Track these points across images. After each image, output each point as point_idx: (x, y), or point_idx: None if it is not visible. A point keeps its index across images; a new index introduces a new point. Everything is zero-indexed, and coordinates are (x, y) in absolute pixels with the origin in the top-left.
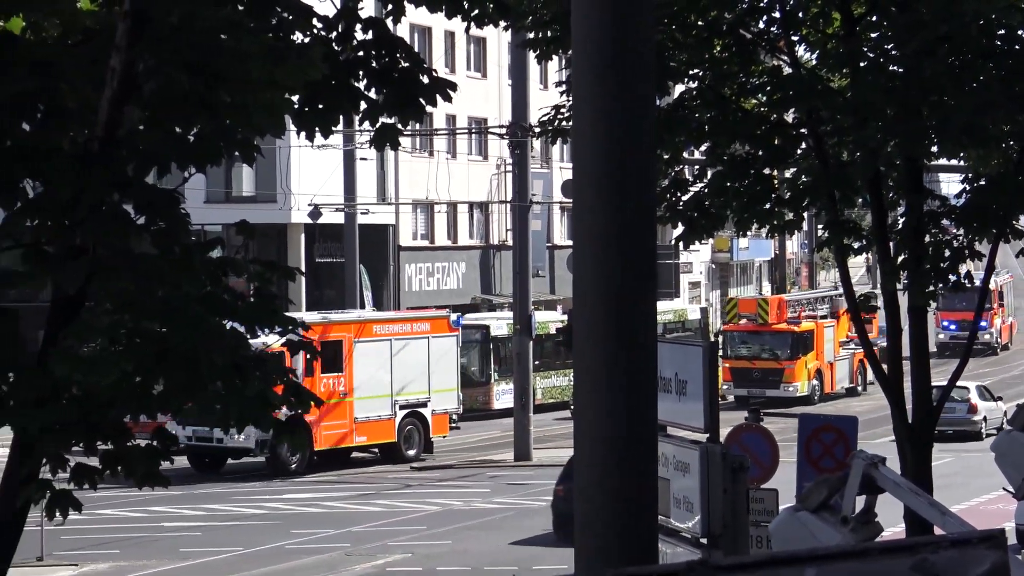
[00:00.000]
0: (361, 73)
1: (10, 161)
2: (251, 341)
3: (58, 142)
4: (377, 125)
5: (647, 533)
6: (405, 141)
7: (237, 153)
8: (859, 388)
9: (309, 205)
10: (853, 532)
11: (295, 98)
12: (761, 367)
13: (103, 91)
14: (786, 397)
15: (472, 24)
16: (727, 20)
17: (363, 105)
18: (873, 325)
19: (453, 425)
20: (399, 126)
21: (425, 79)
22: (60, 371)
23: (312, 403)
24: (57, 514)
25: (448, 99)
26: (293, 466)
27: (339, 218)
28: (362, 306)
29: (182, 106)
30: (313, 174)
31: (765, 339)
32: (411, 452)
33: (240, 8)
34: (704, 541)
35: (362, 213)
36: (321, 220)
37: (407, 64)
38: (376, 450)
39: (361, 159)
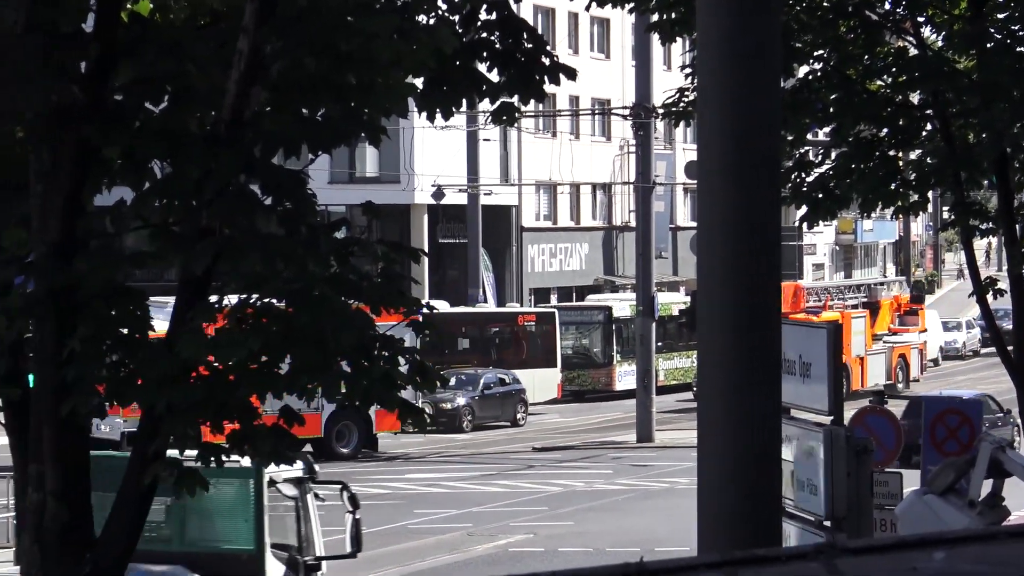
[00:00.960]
0: (484, 54)
1: (139, 142)
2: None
3: (186, 124)
4: (497, 103)
5: (770, 515)
6: (528, 122)
7: (362, 135)
8: (899, 385)
9: (432, 186)
10: (980, 515)
11: (419, 80)
12: None
13: (230, 73)
14: None
15: (595, 4)
16: (852, 1)
17: (485, 87)
18: (920, 317)
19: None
20: (519, 104)
21: (547, 61)
22: (187, 351)
23: (438, 382)
24: (184, 491)
25: (571, 78)
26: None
27: (462, 199)
28: (483, 287)
29: (309, 88)
30: (436, 155)
31: None
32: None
33: None
34: (828, 524)
35: (485, 194)
36: (444, 201)
37: (530, 46)
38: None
39: (484, 140)
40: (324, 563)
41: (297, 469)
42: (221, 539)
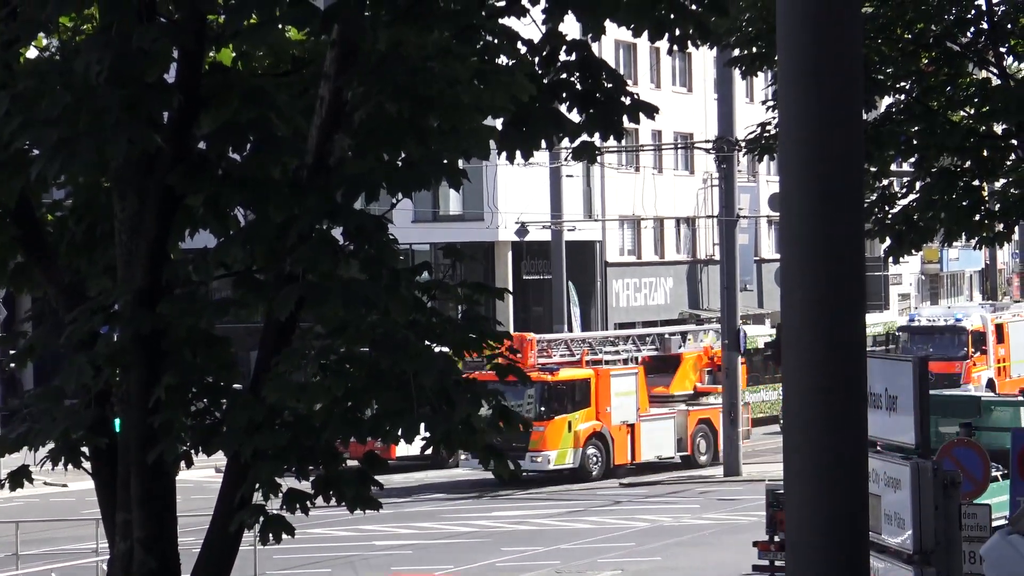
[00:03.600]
0: (564, 95)
1: (222, 190)
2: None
3: (269, 171)
4: (577, 142)
5: (858, 550)
6: (611, 157)
7: (444, 178)
8: (702, 458)
9: (516, 223)
10: None
11: (499, 122)
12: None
13: (312, 119)
14: (536, 470)
15: (676, 47)
16: (934, 32)
17: (565, 127)
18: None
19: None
20: (600, 142)
21: (627, 100)
22: (273, 396)
23: (520, 425)
24: (270, 538)
25: (652, 117)
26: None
27: (546, 235)
28: (569, 323)
29: (390, 132)
30: (519, 192)
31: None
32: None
33: (447, 34)
34: (916, 557)
35: (569, 230)
36: (528, 238)
37: (609, 85)
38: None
39: (567, 176)
40: None
41: None
42: None
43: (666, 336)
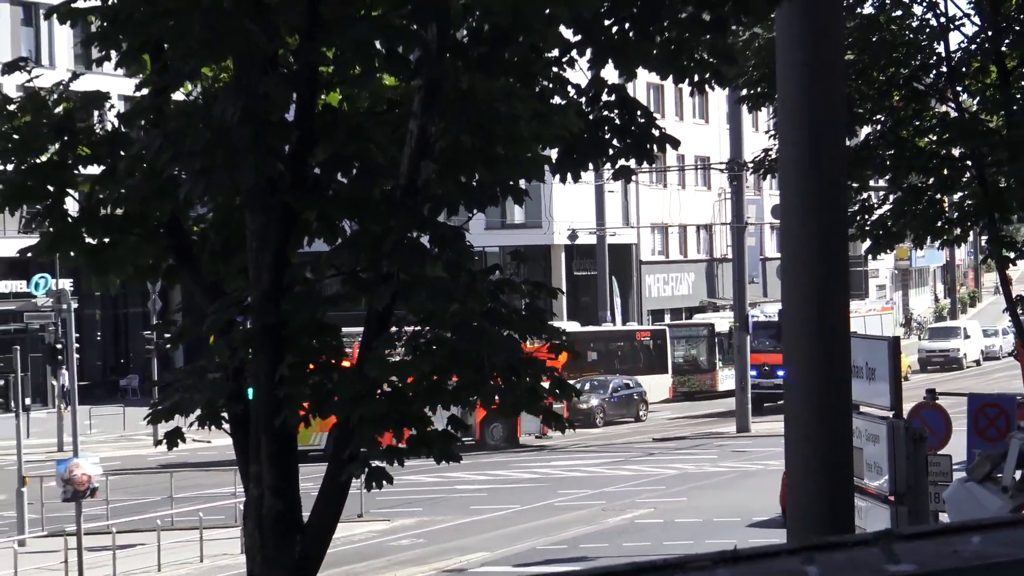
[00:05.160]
0: (606, 128)
1: (332, 207)
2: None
3: (370, 191)
4: (617, 165)
5: (845, 491)
6: (644, 176)
7: (509, 196)
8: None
9: (568, 230)
10: (1012, 499)
11: (554, 151)
12: None
13: (404, 149)
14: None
15: (696, 90)
16: (903, 75)
17: (607, 154)
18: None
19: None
20: (635, 165)
21: (656, 132)
22: (374, 372)
23: (573, 394)
24: (373, 485)
25: (675, 147)
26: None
27: (592, 239)
28: (612, 311)
29: (466, 160)
30: (570, 204)
31: None
32: None
33: (511, 80)
34: (891, 498)
35: (610, 235)
36: (577, 241)
37: (642, 120)
38: None
39: (609, 191)
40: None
41: None
42: None
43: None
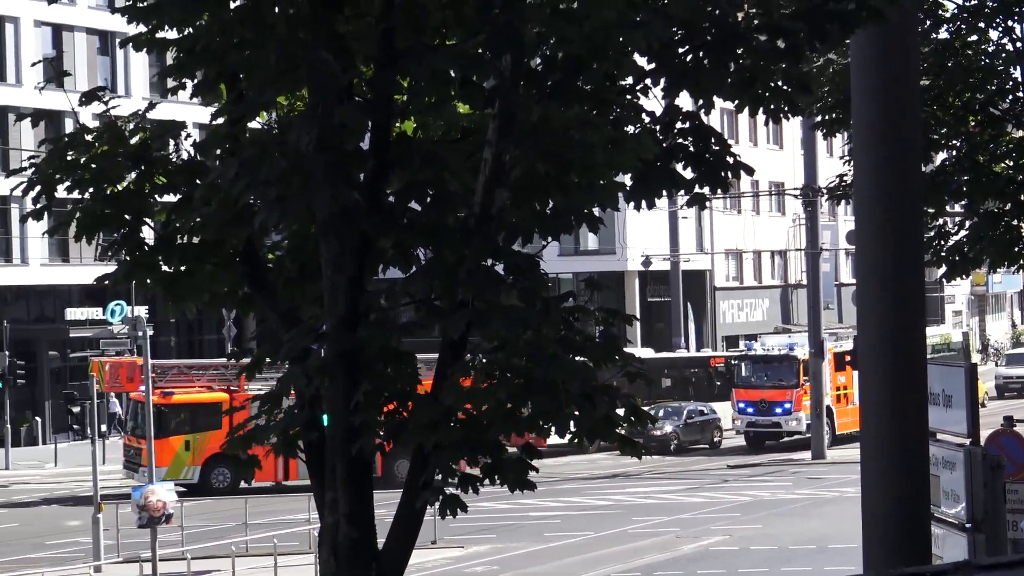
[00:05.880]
0: (680, 155)
1: (407, 235)
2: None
3: (444, 219)
4: (691, 192)
5: (921, 520)
6: (718, 202)
7: (584, 223)
8: None
9: (641, 256)
10: None
11: (628, 178)
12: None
13: (478, 177)
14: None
15: (770, 119)
16: (979, 100)
17: (681, 182)
18: None
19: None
20: (708, 192)
21: (730, 160)
22: (449, 400)
23: (648, 420)
24: (447, 512)
25: (750, 174)
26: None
27: (665, 266)
28: (686, 337)
29: (540, 187)
30: (644, 231)
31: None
32: None
33: (585, 108)
34: (968, 526)
35: (684, 261)
36: (651, 268)
37: (716, 148)
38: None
39: (683, 217)
40: None
41: None
42: None
43: None
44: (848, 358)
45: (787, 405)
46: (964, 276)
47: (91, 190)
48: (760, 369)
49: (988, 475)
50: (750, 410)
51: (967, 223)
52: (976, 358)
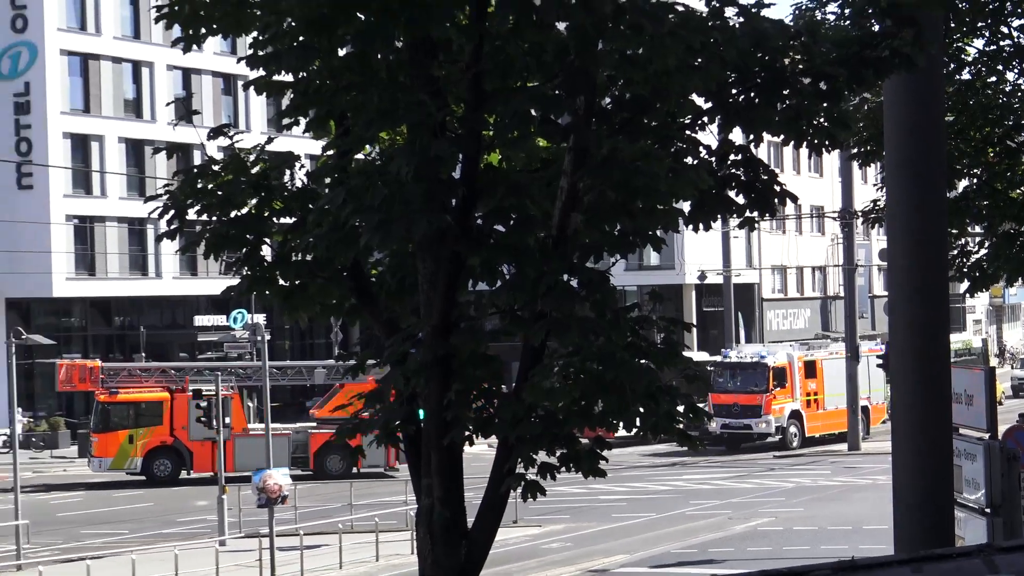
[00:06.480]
0: (733, 184)
1: (493, 254)
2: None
3: (526, 239)
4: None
5: (945, 504)
6: (765, 224)
7: (648, 243)
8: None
9: (697, 271)
10: None
11: (687, 204)
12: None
13: (556, 203)
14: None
15: (813, 152)
16: (997, 134)
17: (733, 207)
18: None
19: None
20: (757, 216)
21: (777, 188)
22: (530, 398)
23: (705, 417)
24: (528, 496)
25: (794, 201)
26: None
27: (719, 279)
28: (737, 342)
29: (610, 212)
30: (700, 248)
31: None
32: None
33: (650, 142)
34: (988, 510)
35: (735, 275)
36: (706, 281)
37: (765, 177)
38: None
39: (734, 237)
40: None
41: None
42: None
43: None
44: (880, 362)
45: (758, 409)
46: (984, 289)
47: (217, 213)
48: (734, 375)
49: (1005, 466)
50: (724, 413)
51: (987, 243)
52: (994, 362)
